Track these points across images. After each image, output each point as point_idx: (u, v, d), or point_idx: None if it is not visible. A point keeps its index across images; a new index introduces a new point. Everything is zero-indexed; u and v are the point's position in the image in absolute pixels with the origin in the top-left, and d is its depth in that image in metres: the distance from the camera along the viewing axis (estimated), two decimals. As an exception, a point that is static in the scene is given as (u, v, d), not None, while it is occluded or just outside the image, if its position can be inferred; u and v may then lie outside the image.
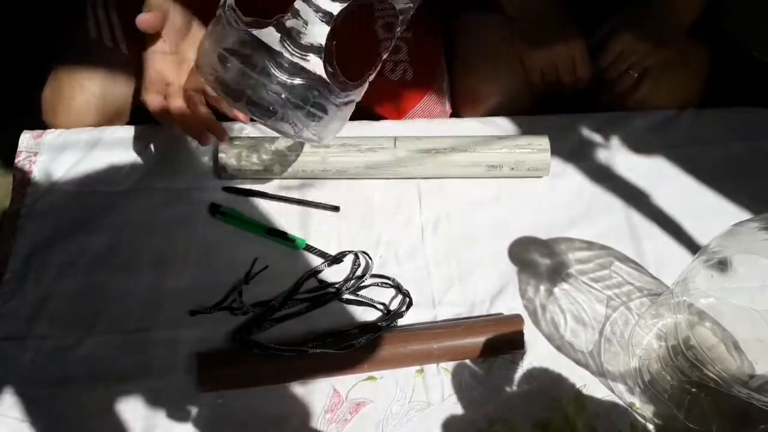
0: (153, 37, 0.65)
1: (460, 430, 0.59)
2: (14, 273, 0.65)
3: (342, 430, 0.59)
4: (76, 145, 0.73)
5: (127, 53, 0.79)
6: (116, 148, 0.73)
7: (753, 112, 0.79)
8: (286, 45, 0.54)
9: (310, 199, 0.71)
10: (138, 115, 0.82)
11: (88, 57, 0.79)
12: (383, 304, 0.65)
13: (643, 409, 0.60)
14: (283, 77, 0.55)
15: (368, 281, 0.66)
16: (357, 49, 0.58)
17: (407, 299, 0.65)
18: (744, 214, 0.71)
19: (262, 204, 0.71)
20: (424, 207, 0.71)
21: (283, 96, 0.55)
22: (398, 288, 0.66)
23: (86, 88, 0.78)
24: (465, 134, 0.74)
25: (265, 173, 0.71)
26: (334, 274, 0.67)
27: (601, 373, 0.62)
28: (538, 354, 0.63)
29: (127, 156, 0.73)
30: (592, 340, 0.64)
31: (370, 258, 0.68)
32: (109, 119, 0.79)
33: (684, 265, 0.55)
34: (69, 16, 0.82)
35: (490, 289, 0.66)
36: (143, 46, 0.66)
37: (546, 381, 0.62)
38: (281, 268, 0.67)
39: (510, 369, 0.62)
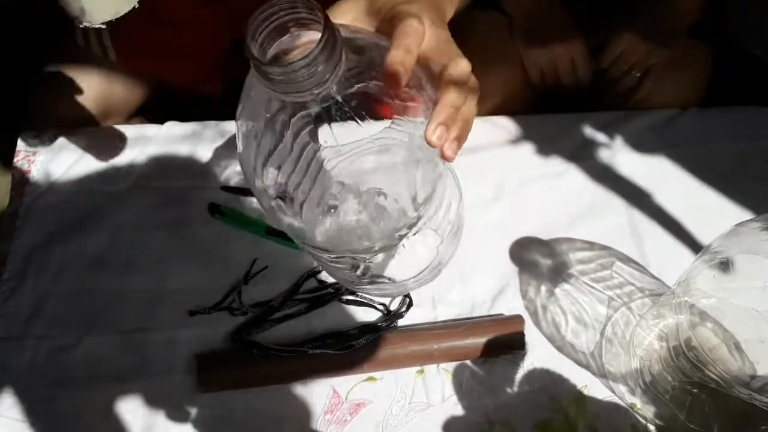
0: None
1: (461, 431, 0.59)
2: (13, 272, 0.65)
3: (342, 431, 0.59)
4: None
5: (116, 60, 0.79)
6: (116, 147, 0.73)
7: (755, 112, 0.79)
8: None
9: (310, 199, 0.71)
10: (133, 116, 0.82)
11: (80, 60, 0.78)
12: (383, 304, 0.65)
13: (645, 410, 0.60)
14: None
15: (368, 281, 0.66)
16: None
17: (407, 299, 0.65)
18: (746, 214, 0.71)
19: (262, 204, 0.71)
20: (424, 207, 0.71)
21: None
22: (398, 288, 0.66)
23: (79, 90, 0.77)
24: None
25: (264, 173, 0.71)
26: (334, 274, 0.67)
27: (602, 374, 0.62)
28: (538, 355, 0.63)
29: (127, 156, 0.72)
30: (593, 340, 0.64)
31: (371, 258, 0.67)
32: (103, 121, 0.79)
33: (686, 265, 0.54)
34: (59, 24, 0.82)
35: (491, 290, 0.66)
36: None
37: (547, 382, 0.62)
38: (281, 268, 0.66)
39: (511, 370, 0.62)
